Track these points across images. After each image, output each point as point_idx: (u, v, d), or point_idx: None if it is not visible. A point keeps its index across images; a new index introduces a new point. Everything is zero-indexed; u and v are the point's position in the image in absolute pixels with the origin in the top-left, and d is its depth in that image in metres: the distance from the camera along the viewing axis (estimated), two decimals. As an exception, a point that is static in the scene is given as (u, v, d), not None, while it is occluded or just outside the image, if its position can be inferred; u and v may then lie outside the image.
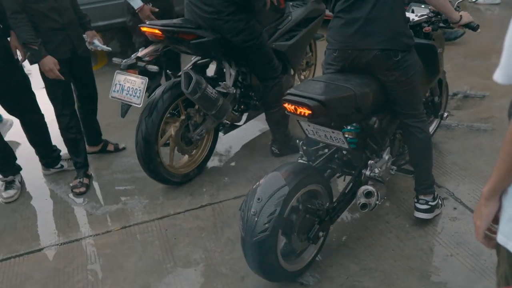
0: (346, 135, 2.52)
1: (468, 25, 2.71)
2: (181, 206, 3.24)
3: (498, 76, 1.07)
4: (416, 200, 2.79)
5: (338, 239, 2.80)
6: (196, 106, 3.34)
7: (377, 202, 2.58)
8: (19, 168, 3.68)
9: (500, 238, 1.26)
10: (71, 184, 3.62)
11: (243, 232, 2.24)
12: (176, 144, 3.36)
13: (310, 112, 2.20)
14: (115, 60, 3.26)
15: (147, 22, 3.34)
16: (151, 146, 3.17)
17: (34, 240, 3.06)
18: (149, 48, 3.31)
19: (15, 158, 3.64)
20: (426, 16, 2.86)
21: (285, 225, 2.27)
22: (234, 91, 3.42)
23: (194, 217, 3.12)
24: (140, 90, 3.12)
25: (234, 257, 2.70)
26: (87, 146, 3.84)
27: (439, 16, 2.85)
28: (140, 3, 4.09)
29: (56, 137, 3.71)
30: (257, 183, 2.28)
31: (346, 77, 2.48)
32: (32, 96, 3.52)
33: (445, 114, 3.45)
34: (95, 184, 3.63)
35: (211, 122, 3.43)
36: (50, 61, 3.17)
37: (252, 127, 4.18)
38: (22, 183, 3.67)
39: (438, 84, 3.32)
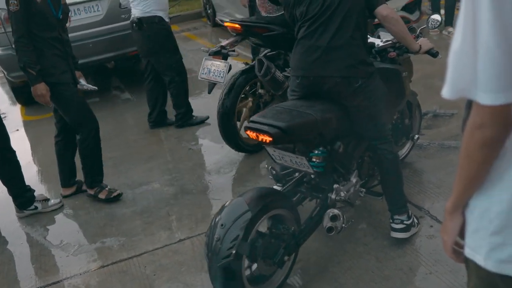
0: (314, 159, 2.57)
1: (428, 52, 2.81)
2: (160, 241, 3.21)
3: (446, 91, 1.11)
4: (391, 221, 2.82)
5: (318, 263, 2.80)
6: (266, 88, 3.94)
7: (343, 225, 2.61)
8: (-8, 213, 3.62)
9: (467, 252, 1.28)
10: (103, 197, 3.72)
11: (207, 259, 2.27)
12: (248, 120, 3.71)
13: (271, 139, 2.28)
14: (203, 48, 4.13)
15: (229, 19, 4.13)
16: (230, 119, 3.93)
17: (10, 287, 2.99)
18: (230, 39, 4.04)
19: (-12, 204, 3.59)
20: (390, 42, 2.95)
21: (249, 250, 2.29)
22: None
23: (173, 251, 3.09)
24: (223, 71, 3.86)
25: (214, 289, 2.68)
26: (62, 189, 3.89)
27: None
28: None
29: (30, 179, 3.67)
30: (221, 209, 2.32)
31: (309, 103, 2.55)
32: (5, 134, 3.52)
33: (416, 136, 3.50)
34: (71, 225, 3.58)
35: (278, 101, 3.76)
36: (43, 87, 3.34)
37: (230, 159, 4.20)
38: (-4, 228, 3.61)
39: (407, 106, 3.39)
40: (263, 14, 4.03)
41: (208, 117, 4.99)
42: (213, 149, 4.47)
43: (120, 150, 4.55)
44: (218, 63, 3.90)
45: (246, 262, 2.37)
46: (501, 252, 1.18)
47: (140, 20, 4.55)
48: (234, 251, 2.19)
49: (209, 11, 9.46)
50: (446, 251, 1.37)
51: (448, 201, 1.31)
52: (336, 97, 2.58)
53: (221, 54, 3.92)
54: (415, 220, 2.88)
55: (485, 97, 1.03)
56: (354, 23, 2.51)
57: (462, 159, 1.19)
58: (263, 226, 2.43)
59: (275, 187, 2.81)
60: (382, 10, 2.51)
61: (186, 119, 4.98)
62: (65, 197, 3.89)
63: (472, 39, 1.03)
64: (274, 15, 4.09)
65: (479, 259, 1.23)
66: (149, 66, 4.86)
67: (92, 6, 5.70)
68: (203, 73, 3.98)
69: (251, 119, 2.43)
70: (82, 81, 3.73)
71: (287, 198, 2.59)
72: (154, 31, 4.59)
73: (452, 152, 3.75)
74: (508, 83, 1.01)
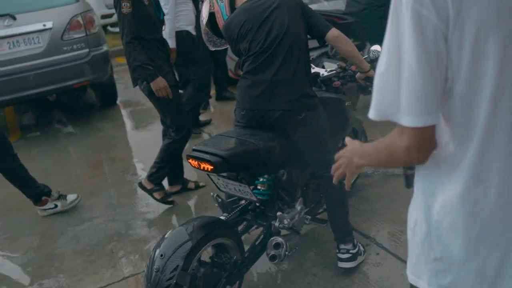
0: (259, 187, 2.57)
1: (372, 80, 2.86)
2: (102, 280, 3.07)
3: (372, 113, 1.13)
4: (337, 251, 2.82)
5: (267, 297, 2.76)
6: None
7: (286, 253, 2.59)
8: None
9: (411, 278, 1.29)
10: (158, 198, 3.80)
11: None
12: None
13: (212, 167, 2.29)
14: None
15: None
16: None
17: None
18: None
19: None
20: (335, 72, 3.01)
21: (190, 281, 2.23)
22: None
23: (117, 290, 2.96)
24: None
25: (160, 329, 2.56)
26: (168, 187, 4.01)
27: (347, 71, 3.01)
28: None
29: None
30: (162, 239, 2.28)
31: (252, 131, 2.58)
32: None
33: None
34: (7, 266, 3.37)
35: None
36: (163, 80, 3.49)
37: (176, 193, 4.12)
38: None
39: (353, 133, 3.45)
40: (211, 49, 4.06)
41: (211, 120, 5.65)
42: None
43: (61, 186, 4.36)
44: None
45: None
46: (443, 278, 1.20)
47: None
48: (174, 282, 2.14)
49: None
50: (352, 170, 1.43)
51: (359, 157, 1.37)
52: (280, 128, 2.62)
53: None
54: (361, 249, 2.89)
55: (407, 120, 1.06)
56: (296, 57, 2.57)
57: (382, 150, 1.22)
58: (206, 255, 2.39)
59: (221, 217, 2.77)
60: (333, 32, 2.60)
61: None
62: (171, 194, 3.96)
63: (396, 63, 1.06)
64: (222, 48, 4.11)
65: (423, 285, 1.24)
66: (182, 78, 5.13)
67: (32, 38, 5.54)
68: None
69: (193, 147, 2.43)
70: None
71: (230, 226, 2.55)
72: (181, 44, 4.82)
73: (395, 180, 3.83)
74: (429, 107, 1.05)
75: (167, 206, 3.90)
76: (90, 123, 6.19)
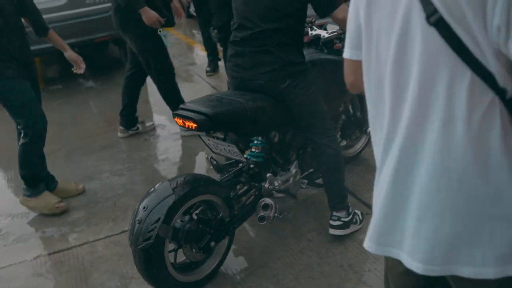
0: (253, 149, 2.55)
1: None
2: (102, 232, 3.13)
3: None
4: (330, 217, 2.77)
5: (259, 259, 2.75)
6: None
7: (276, 215, 2.56)
8: None
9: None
10: None
11: (129, 241, 2.23)
12: None
13: (196, 125, 2.27)
14: None
15: None
16: None
17: None
18: None
19: None
20: (336, 33, 2.92)
21: (172, 234, 2.24)
22: None
23: (114, 243, 3.01)
24: None
25: (150, 283, 2.61)
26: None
27: None
28: None
29: None
30: (147, 193, 2.31)
31: (244, 92, 2.55)
32: None
33: (369, 129, 3.46)
34: (12, 215, 3.47)
35: None
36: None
37: (186, 151, 4.13)
38: None
39: (359, 99, 3.34)
40: None
41: None
42: (170, 140, 4.39)
43: (75, 139, 4.44)
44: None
45: (170, 247, 2.36)
46: None
47: None
48: (155, 233, 2.16)
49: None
50: None
51: None
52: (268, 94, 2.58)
53: None
54: (358, 218, 2.84)
55: (344, 51, 1.37)
56: (283, 29, 2.47)
57: None
58: (186, 211, 2.40)
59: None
60: (337, 15, 2.51)
61: None
62: None
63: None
64: None
65: None
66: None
67: (55, -9, 5.55)
68: None
69: (180, 105, 2.43)
70: None
71: (217, 185, 2.53)
72: None
73: (406, 150, 3.72)
74: (352, 45, 1.33)
75: (175, 164, 3.93)
76: (112, 78, 6.23)
